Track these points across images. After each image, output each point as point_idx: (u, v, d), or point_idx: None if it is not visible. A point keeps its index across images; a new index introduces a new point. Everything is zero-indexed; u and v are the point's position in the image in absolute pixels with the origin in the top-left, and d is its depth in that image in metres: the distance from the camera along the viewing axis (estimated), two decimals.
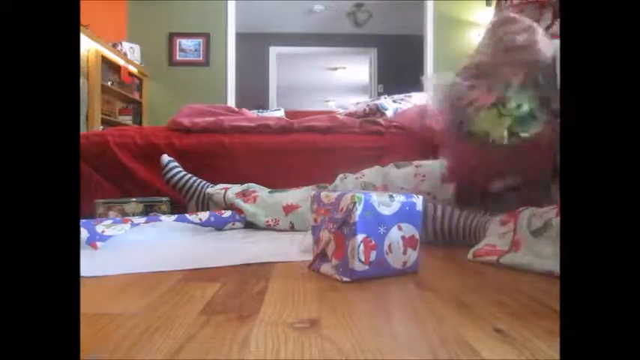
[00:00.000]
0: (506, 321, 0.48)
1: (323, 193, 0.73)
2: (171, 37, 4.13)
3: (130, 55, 3.76)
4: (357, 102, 1.96)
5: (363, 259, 0.65)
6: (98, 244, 0.93)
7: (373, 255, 0.67)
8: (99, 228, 0.97)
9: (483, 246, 0.86)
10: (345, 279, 0.65)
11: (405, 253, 0.70)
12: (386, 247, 0.68)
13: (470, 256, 0.85)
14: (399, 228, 0.69)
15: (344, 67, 6.77)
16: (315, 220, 0.74)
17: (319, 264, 0.71)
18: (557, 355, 0.39)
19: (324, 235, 0.70)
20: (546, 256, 0.73)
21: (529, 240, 0.78)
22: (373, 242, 0.67)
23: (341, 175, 1.27)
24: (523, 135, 0.83)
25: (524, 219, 0.82)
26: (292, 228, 1.24)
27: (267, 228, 1.26)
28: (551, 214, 0.78)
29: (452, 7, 4.14)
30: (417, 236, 0.71)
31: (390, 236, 0.68)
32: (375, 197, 0.68)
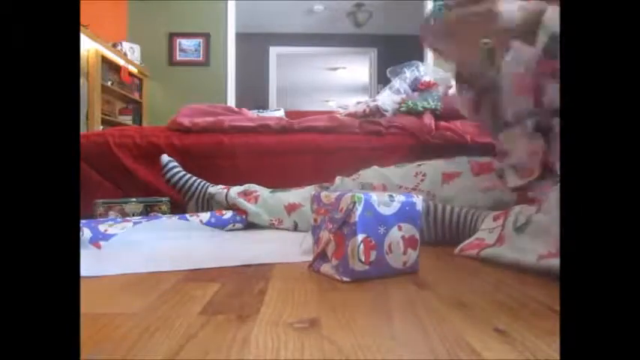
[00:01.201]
0: (506, 321, 0.48)
1: (323, 193, 0.73)
2: (171, 37, 4.13)
3: (130, 55, 3.76)
4: (357, 102, 1.95)
5: (363, 259, 0.65)
6: (101, 243, 0.94)
7: (373, 255, 0.67)
8: (101, 227, 0.97)
9: (473, 240, 0.89)
10: (345, 279, 0.66)
11: (405, 253, 0.70)
12: (386, 247, 0.68)
13: (457, 250, 0.88)
14: (399, 228, 0.69)
15: (344, 67, 6.77)
16: (315, 220, 0.74)
17: (319, 264, 0.71)
18: (557, 355, 0.39)
19: (324, 235, 0.71)
20: (524, 250, 0.75)
21: (512, 235, 0.80)
22: (373, 242, 0.67)
23: (339, 177, 1.27)
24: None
25: (513, 215, 0.84)
26: (296, 228, 1.24)
27: (271, 227, 1.26)
28: (532, 210, 0.80)
29: None
30: (417, 236, 0.71)
31: (390, 236, 0.68)
32: (375, 197, 0.68)
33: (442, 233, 1.02)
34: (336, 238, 0.68)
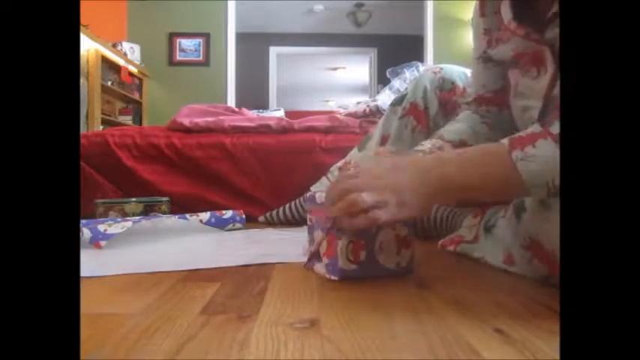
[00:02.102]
0: (506, 321, 0.48)
1: (317, 194, 0.72)
2: (171, 37, 4.13)
3: (130, 55, 3.76)
4: (357, 102, 1.96)
5: (351, 258, 0.65)
6: (101, 243, 0.94)
7: (363, 255, 0.66)
8: (101, 227, 0.97)
9: (454, 236, 0.91)
10: (333, 277, 0.66)
11: (398, 253, 0.69)
12: (377, 247, 0.67)
13: (438, 246, 0.91)
14: (392, 227, 0.69)
15: (344, 67, 6.77)
16: (311, 220, 0.74)
17: (313, 263, 0.72)
18: (557, 355, 0.39)
19: (318, 234, 0.71)
20: (489, 251, 0.78)
21: (482, 234, 0.83)
22: (362, 242, 0.66)
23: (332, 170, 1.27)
24: None
25: (487, 215, 0.86)
26: None
27: (271, 225, 1.26)
28: (500, 214, 0.81)
29: (452, 7, 4.14)
30: (411, 236, 0.71)
31: (381, 235, 0.68)
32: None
33: (429, 230, 1.05)
34: (327, 237, 0.68)
